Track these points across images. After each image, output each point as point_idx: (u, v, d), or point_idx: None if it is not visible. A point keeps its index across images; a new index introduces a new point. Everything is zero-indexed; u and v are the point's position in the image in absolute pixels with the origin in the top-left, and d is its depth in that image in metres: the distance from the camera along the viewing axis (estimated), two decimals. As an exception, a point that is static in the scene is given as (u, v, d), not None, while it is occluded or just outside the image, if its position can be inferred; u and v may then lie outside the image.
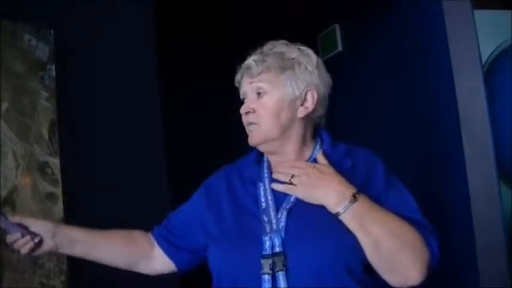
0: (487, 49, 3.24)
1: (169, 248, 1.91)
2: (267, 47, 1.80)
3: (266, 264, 1.59)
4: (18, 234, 1.75)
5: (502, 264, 2.88)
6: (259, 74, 1.75)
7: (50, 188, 2.69)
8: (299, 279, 1.57)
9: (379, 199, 1.68)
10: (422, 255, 1.61)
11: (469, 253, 2.98)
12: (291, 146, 1.77)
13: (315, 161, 1.76)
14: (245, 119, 1.76)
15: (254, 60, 1.76)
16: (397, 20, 3.70)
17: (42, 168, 2.69)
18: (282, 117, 1.74)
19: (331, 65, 4.30)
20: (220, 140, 3.98)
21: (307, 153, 1.80)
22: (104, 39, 3.07)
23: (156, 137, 3.08)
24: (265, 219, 1.67)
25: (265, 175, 1.78)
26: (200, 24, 4.02)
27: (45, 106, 2.74)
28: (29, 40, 2.75)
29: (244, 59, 1.81)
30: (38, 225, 1.80)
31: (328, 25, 4.34)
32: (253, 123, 1.74)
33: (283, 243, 1.60)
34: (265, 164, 1.81)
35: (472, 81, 3.09)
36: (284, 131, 1.75)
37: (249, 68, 1.76)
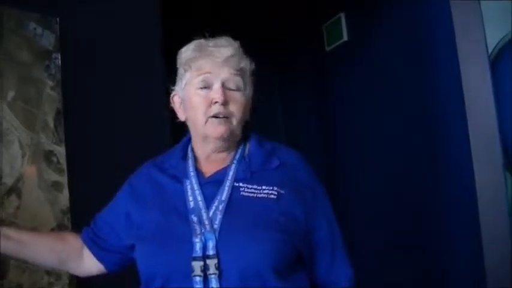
0: (493, 39, 3.24)
1: (97, 250, 1.91)
2: (236, 45, 1.77)
3: (197, 266, 1.57)
4: None
5: (508, 257, 2.89)
6: (239, 69, 1.74)
7: (55, 177, 2.69)
8: (229, 281, 1.56)
9: (307, 209, 1.69)
10: None
11: (474, 248, 2.99)
12: (232, 145, 1.78)
13: (240, 159, 1.75)
14: (217, 108, 1.70)
15: (234, 54, 1.74)
16: (403, 9, 3.69)
17: (48, 157, 2.69)
18: (244, 117, 1.77)
19: (336, 55, 4.34)
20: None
21: (233, 153, 1.78)
22: (109, 27, 3.05)
23: (162, 124, 3.08)
24: (195, 219, 1.65)
25: (191, 172, 1.76)
26: (203, 9, 4.02)
27: (50, 95, 2.73)
28: (34, 28, 2.74)
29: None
30: None
31: (333, 14, 4.33)
32: (224, 116, 1.71)
33: (216, 246, 1.58)
34: (191, 161, 1.79)
35: (478, 71, 3.09)
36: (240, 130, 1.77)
37: (232, 56, 1.73)
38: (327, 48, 4.48)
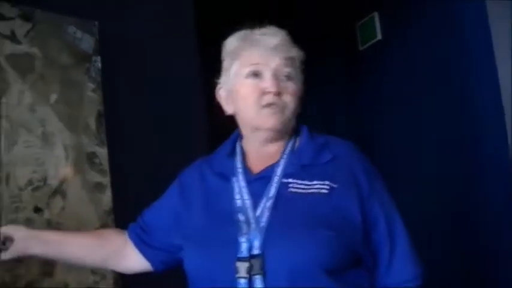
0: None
1: (144, 248, 1.86)
2: (284, 33, 1.70)
3: (242, 267, 1.49)
4: None
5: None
6: (289, 57, 1.67)
7: (98, 178, 2.73)
8: (275, 282, 1.47)
9: (364, 202, 1.60)
10: None
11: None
12: (283, 138, 1.70)
13: (289, 153, 1.67)
14: (270, 98, 1.62)
15: (283, 42, 1.67)
16: (437, 7, 3.68)
17: (90, 158, 2.73)
18: (296, 108, 1.69)
19: (370, 54, 4.33)
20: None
21: (283, 145, 1.70)
22: (146, 29, 3.09)
23: (201, 124, 3.10)
24: (241, 218, 1.57)
25: (239, 169, 1.68)
26: (235, 8, 4.04)
27: (91, 97, 2.77)
28: (74, 32, 2.79)
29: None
30: (7, 229, 1.79)
31: (367, 13, 4.33)
32: (277, 106, 1.63)
33: (263, 245, 1.50)
34: (238, 157, 1.72)
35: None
36: (293, 122, 1.70)
37: (281, 45, 1.66)
38: (361, 48, 4.47)
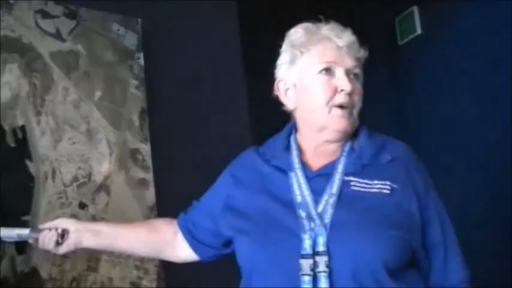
0: None
1: (191, 240, 1.84)
2: (350, 30, 1.65)
3: (306, 264, 1.45)
4: (45, 231, 1.78)
5: None
6: (357, 58, 1.63)
7: (141, 174, 2.75)
8: (341, 280, 1.44)
9: (420, 203, 1.58)
10: None
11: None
12: (346, 138, 1.65)
13: (349, 152, 1.63)
14: (343, 98, 1.58)
15: (354, 40, 1.63)
16: (478, 0, 3.63)
17: (134, 154, 2.75)
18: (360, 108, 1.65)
19: (409, 49, 4.29)
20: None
21: (342, 143, 1.65)
22: (188, 25, 3.10)
23: (243, 120, 3.11)
24: (303, 214, 1.53)
25: (297, 165, 1.63)
26: (275, 6, 4.04)
27: (135, 94, 2.80)
28: (118, 29, 2.82)
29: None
30: (59, 222, 1.81)
31: (406, 8, 4.29)
32: (348, 107, 1.59)
33: (328, 242, 1.47)
34: (295, 152, 1.67)
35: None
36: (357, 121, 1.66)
37: (353, 43, 1.63)
38: (400, 43, 4.43)
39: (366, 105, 4.68)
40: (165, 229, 1.89)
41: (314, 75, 1.61)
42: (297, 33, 1.67)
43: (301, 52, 1.63)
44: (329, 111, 1.59)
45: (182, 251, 1.87)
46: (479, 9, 3.63)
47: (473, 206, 3.56)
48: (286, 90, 1.69)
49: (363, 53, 1.65)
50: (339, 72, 1.59)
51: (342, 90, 1.57)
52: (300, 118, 1.69)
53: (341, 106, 1.58)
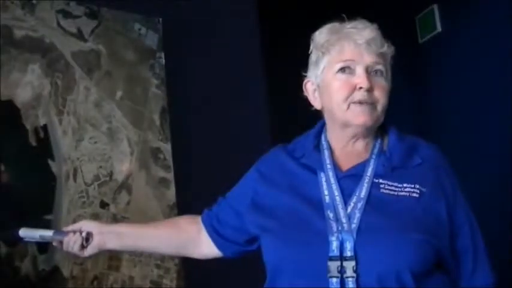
0: None
1: (216, 237, 1.82)
2: (375, 26, 1.64)
3: (333, 266, 1.44)
4: (70, 234, 1.77)
5: None
6: (380, 53, 1.60)
7: (162, 173, 2.77)
8: (367, 284, 1.43)
9: (450, 207, 1.56)
10: None
11: None
12: (371, 135, 1.65)
13: (379, 153, 1.62)
14: (361, 94, 1.56)
15: (376, 36, 1.61)
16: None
17: (155, 154, 2.77)
18: (387, 104, 1.61)
19: (430, 47, 4.27)
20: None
21: (370, 145, 1.65)
22: (209, 25, 3.11)
23: (263, 120, 3.11)
24: (331, 215, 1.52)
25: (328, 165, 1.62)
26: (297, 6, 4.03)
27: (156, 93, 2.82)
28: (139, 29, 2.83)
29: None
30: (82, 224, 1.81)
31: (426, 5, 4.27)
32: (368, 103, 1.57)
33: (355, 246, 1.46)
34: (327, 152, 1.65)
35: None
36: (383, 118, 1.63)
37: (374, 39, 1.60)
38: (420, 41, 4.42)
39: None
40: (188, 226, 1.87)
41: (333, 74, 1.60)
42: (320, 34, 1.66)
43: (323, 53, 1.63)
44: (347, 108, 1.58)
45: (205, 248, 1.85)
46: (499, 6, 3.60)
47: (494, 203, 3.53)
48: (314, 90, 1.69)
49: (386, 48, 1.63)
50: (359, 70, 1.57)
51: (360, 88, 1.56)
52: (327, 117, 1.68)
53: (360, 102, 1.57)
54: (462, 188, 1.65)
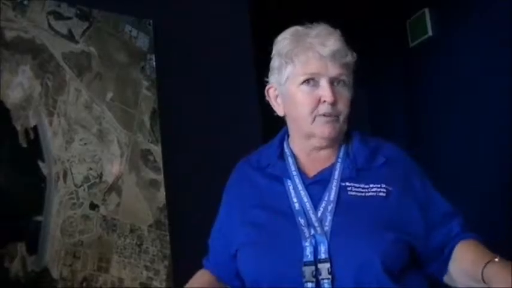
0: None
1: (231, 280, 1.72)
2: (338, 35, 1.62)
3: (308, 271, 1.47)
4: None
5: None
6: (344, 64, 1.60)
7: (152, 175, 2.77)
8: (343, 285, 1.46)
9: (421, 195, 1.60)
10: None
11: None
12: (337, 143, 1.65)
13: (344, 157, 1.63)
14: (326, 108, 1.57)
15: (340, 47, 1.59)
16: (490, 1, 3.62)
17: (145, 155, 2.77)
18: (348, 113, 1.63)
19: (421, 51, 4.28)
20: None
21: (336, 151, 1.65)
22: (200, 27, 3.11)
23: (255, 121, 3.11)
24: (302, 222, 1.54)
25: (294, 172, 1.63)
26: (286, 7, 4.04)
27: (146, 95, 2.82)
28: (130, 31, 2.83)
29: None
30: None
31: (417, 9, 4.28)
32: (332, 116, 1.58)
33: (329, 249, 1.48)
34: (291, 160, 1.66)
35: None
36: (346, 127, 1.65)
37: (338, 51, 1.59)
38: (411, 44, 4.43)
39: (376, 106, 4.69)
40: (216, 285, 1.76)
41: (297, 85, 1.61)
42: (283, 42, 1.65)
43: (286, 62, 1.63)
44: (313, 120, 1.59)
45: None
46: (489, 12, 3.62)
47: (485, 207, 3.55)
48: (276, 96, 1.69)
49: (350, 58, 1.62)
50: (323, 82, 1.58)
51: (324, 101, 1.57)
52: (290, 126, 1.70)
53: (324, 115, 1.58)
54: (446, 187, 1.67)
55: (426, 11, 4.20)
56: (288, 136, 1.73)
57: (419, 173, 1.66)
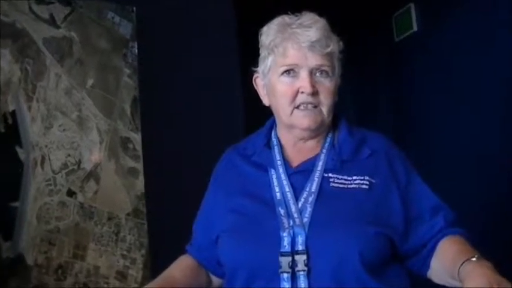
0: None
1: (214, 268, 1.73)
2: (322, 24, 1.60)
3: (285, 262, 1.46)
4: None
5: None
6: (326, 53, 1.58)
7: (131, 163, 2.75)
8: (320, 279, 1.45)
9: (406, 188, 1.59)
10: None
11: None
12: (321, 133, 1.65)
13: (329, 148, 1.63)
14: (304, 98, 1.57)
15: (321, 37, 1.57)
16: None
17: (125, 143, 2.75)
18: (334, 103, 1.62)
19: (406, 46, 4.28)
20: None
21: (322, 140, 1.65)
22: (183, 15, 3.10)
23: (236, 111, 3.10)
24: (282, 212, 1.53)
25: (278, 161, 1.63)
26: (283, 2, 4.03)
27: (128, 83, 2.80)
28: (113, 17, 2.81)
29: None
30: None
31: (403, 5, 4.28)
32: (312, 106, 1.58)
33: (307, 241, 1.48)
34: (277, 149, 1.66)
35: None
36: (331, 117, 1.64)
37: (318, 41, 1.56)
38: (396, 39, 4.43)
39: (362, 100, 4.68)
40: (200, 271, 1.76)
41: (278, 76, 1.61)
42: (268, 31, 1.64)
43: (268, 53, 1.63)
44: (291, 112, 1.59)
45: (214, 280, 1.78)
46: (476, 6, 3.62)
47: (467, 193, 3.55)
48: (263, 86, 1.69)
49: (332, 47, 1.60)
50: (303, 73, 1.57)
51: (302, 92, 1.57)
52: (275, 115, 1.70)
53: (303, 106, 1.58)
54: (434, 183, 1.67)
55: (411, 6, 4.20)
56: (276, 126, 1.73)
57: (405, 166, 1.64)
